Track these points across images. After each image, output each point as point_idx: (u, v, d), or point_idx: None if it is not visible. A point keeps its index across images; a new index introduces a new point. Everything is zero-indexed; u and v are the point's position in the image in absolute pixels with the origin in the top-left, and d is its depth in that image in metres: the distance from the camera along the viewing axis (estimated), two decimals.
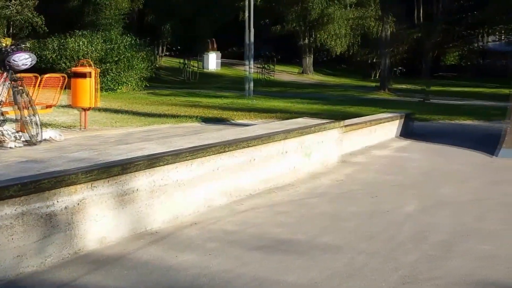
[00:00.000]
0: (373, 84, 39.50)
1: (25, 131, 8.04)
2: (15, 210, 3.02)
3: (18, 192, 3.03)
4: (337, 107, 18.78)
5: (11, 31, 26.12)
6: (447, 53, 62.09)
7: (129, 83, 22.44)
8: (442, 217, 4.67)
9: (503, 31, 59.81)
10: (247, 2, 25.78)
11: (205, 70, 41.30)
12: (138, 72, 22.71)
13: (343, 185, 5.83)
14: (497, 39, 63.25)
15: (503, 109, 18.22)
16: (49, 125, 9.99)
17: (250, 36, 25.47)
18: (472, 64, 57.46)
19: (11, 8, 23.14)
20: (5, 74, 7.84)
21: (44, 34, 22.25)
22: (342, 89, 36.43)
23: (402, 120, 10.70)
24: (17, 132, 8.24)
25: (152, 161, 3.89)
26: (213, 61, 42.98)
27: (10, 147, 7.76)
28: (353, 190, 5.60)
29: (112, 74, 21.68)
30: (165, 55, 42.88)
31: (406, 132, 10.76)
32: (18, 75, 8.09)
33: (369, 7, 46.88)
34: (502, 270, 3.42)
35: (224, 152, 4.66)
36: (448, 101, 28.18)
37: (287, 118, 10.54)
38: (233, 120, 12.63)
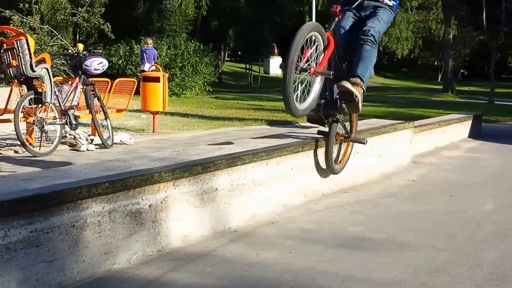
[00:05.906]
0: (436, 87, 38.73)
1: (98, 134, 8.28)
2: (102, 207, 3.07)
3: (106, 190, 3.08)
4: (401, 109, 18.54)
5: (77, 37, 26.94)
6: (510, 56, 60.43)
7: (193, 88, 22.82)
8: None
9: None
10: (313, 6, 25.84)
11: (267, 74, 41.55)
12: (203, 77, 23.06)
13: (416, 185, 5.76)
14: None
15: None
16: (120, 129, 10.26)
17: None
18: None
19: (78, 16, 23.90)
20: (77, 79, 8.10)
21: (110, 40, 22.89)
22: (405, 91, 35.87)
23: (471, 121, 10.50)
24: (90, 135, 8.51)
25: (231, 160, 3.95)
26: (275, 66, 43.14)
27: (84, 150, 8.03)
28: (427, 190, 5.52)
29: (177, 79, 22.10)
30: (227, 61, 43.29)
31: (475, 133, 10.53)
32: (91, 79, 8.34)
33: (431, 10, 46.05)
34: None
35: (298, 152, 4.68)
36: None
37: None
38: (298, 123, 12.64)
